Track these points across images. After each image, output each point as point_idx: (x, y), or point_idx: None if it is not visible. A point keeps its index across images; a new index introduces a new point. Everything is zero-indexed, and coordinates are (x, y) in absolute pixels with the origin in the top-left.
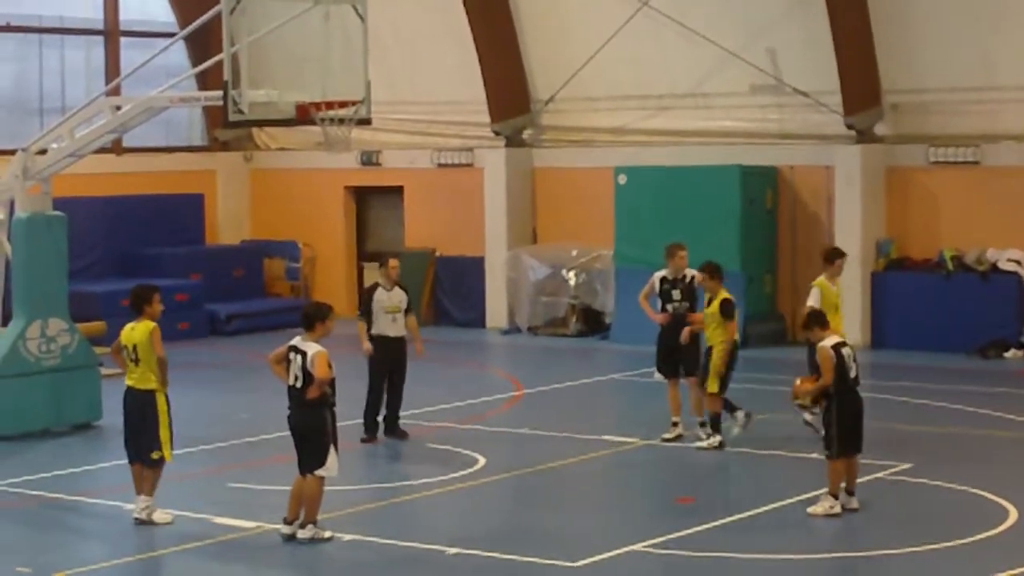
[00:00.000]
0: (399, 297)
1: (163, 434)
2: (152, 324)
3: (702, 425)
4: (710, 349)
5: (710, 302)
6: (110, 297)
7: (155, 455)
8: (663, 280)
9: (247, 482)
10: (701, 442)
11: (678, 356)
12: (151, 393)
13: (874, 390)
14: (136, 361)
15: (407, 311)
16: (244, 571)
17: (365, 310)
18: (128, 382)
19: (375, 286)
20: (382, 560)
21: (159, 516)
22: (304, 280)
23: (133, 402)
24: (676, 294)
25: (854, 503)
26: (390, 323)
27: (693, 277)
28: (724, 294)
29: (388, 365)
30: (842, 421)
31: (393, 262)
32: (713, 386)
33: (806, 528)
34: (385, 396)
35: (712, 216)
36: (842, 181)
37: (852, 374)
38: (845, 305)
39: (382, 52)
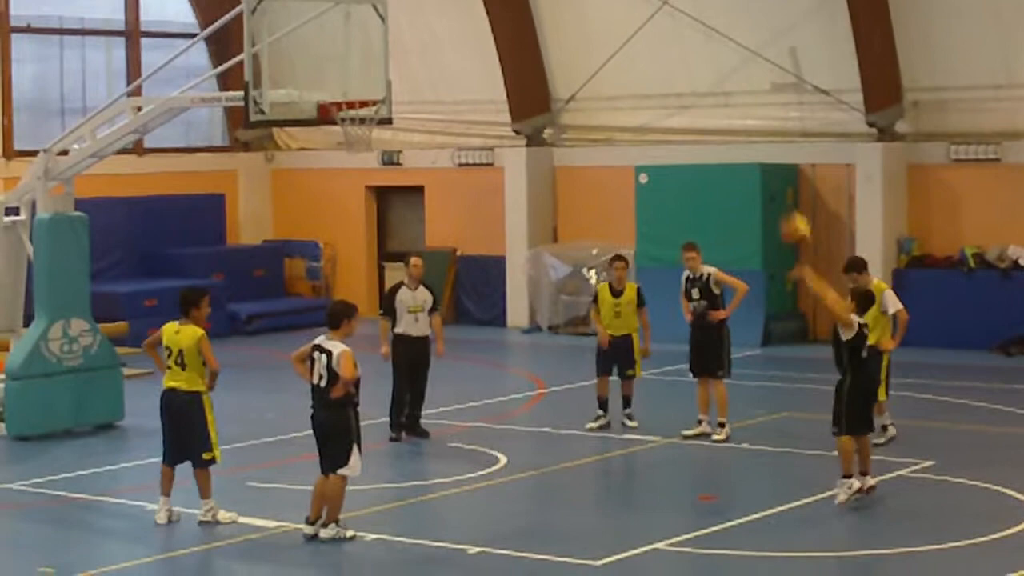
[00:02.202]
0: (423, 296)
1: (213, 434)
2: (200, 332)
3: (721, 425)
4: (630, 336)
5: (621, 293)
6: (132, 297)
7: (207, 455)
8: (687, 279)
9: (269, 481)
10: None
11: (700, 355)
12: (198, 395)
13: (895, 387)
14: (183, 365)
15: (432, 310)
16: (267, 570)
17: (388, 309)
18: (171, 383)
19: (399, 285)
20: (404, 559)
21: (224, 516)
22: (325, 280)
23: (179, 403)
24: (695, 292)
25: (870, 482)
26: (412, 323)
27: (710, 275)
28: (634, 284)
29: (410, 364)
30: (853, 398)
31: (415, 260)
32: (640, 371)
33: (828, 526)
34: (410, 394)
35: (733, 214)
36: (863, 179)
37: (865, 354)
38: None
39: (402, 52)
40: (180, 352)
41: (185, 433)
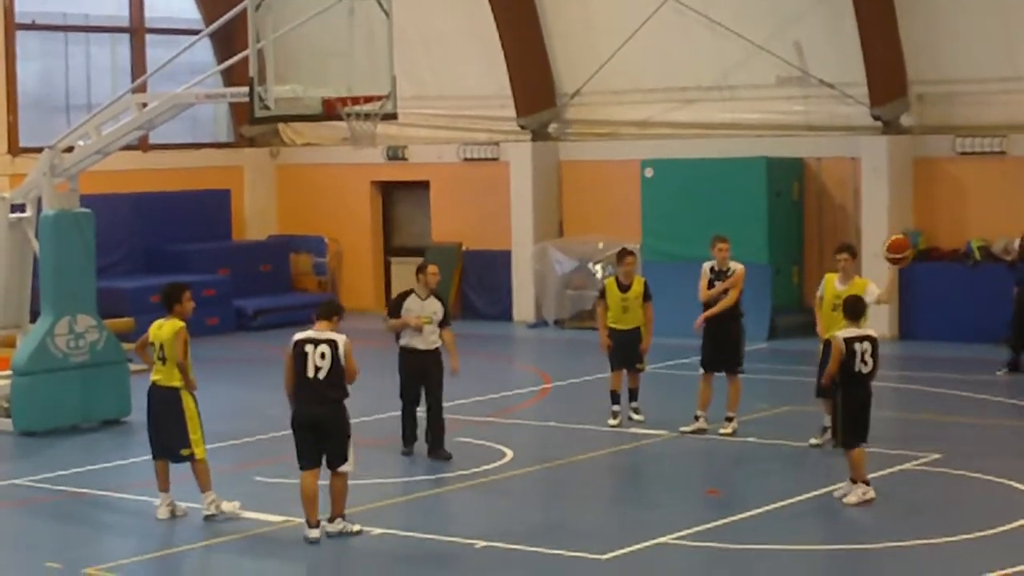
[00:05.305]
0: (433, 307)
1: (192, 431)
2: (180, 324)
3: (728, 419)
4: (638, 330)
5: (628, 287)
6: (138, 293)
7: (184, 452)
8: (711, 270)
9: (275, 476)
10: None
11: (717, 351)
12: (176, 391)
13: (902, 381)
14: (163, 359)
15: (443, 324)
16: (273, 565)
17: (395, 315)
18: (153, 378)
19: (408, 292)
20: (411, 554)
21: (227, 507)
22: (331, 275)
23: (158, 399)
24: (718, 286)
25: (871, 492)
26: (417, 334)
27: (736, 272)
28: (642, 278)
29: (417, 379)
30: (847, 412)
31: (433, 268)
32: (645, 365)
33: (833, 519)
34: (426, 412)
35: (739, 208)
36: (869, 172)
37: (856, 369)
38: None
39: (407, 47)
40: (161, 346)
41: (162, 428)
